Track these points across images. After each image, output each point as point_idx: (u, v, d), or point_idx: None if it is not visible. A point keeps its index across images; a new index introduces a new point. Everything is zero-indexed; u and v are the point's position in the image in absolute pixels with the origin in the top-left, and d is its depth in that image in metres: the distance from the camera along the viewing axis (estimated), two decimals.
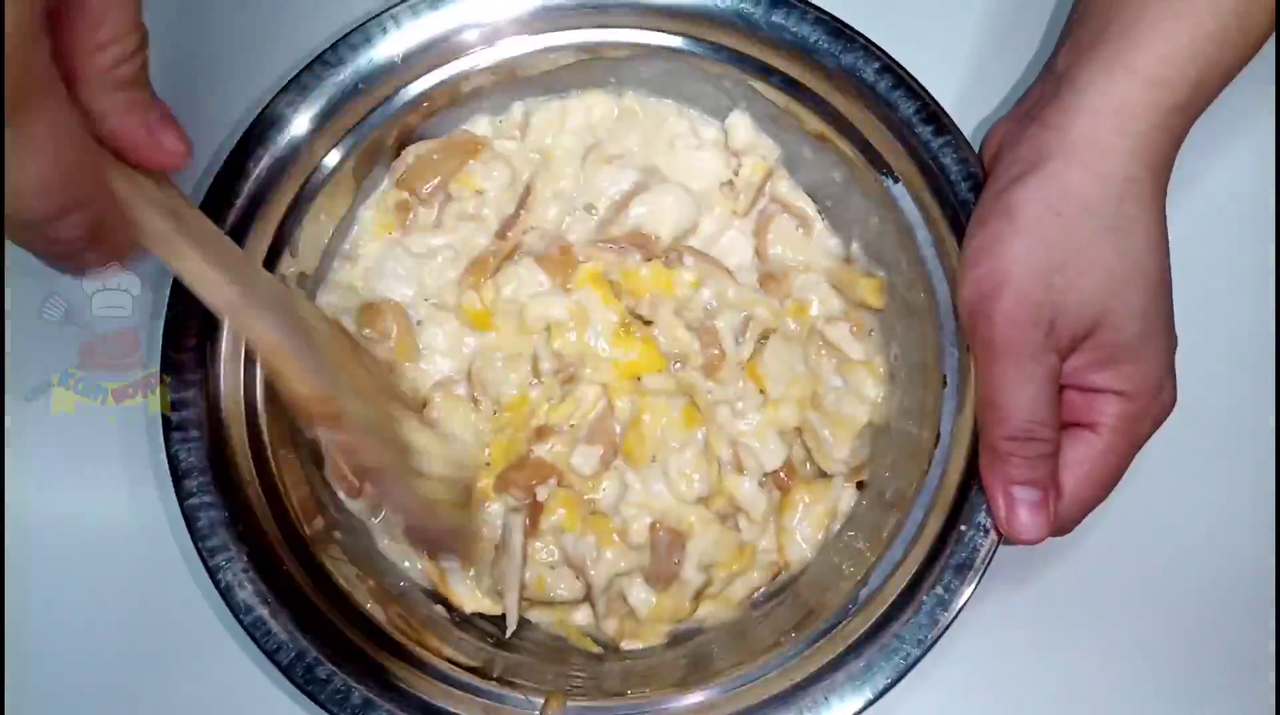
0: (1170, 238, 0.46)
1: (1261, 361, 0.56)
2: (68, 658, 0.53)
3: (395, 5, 0.51)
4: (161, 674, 0.54)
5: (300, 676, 0.46)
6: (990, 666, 0.53)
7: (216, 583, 0.47)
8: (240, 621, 0.47)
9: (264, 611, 0.47)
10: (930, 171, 0.50)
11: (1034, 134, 0.46)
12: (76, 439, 0.55)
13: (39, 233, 0.34)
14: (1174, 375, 0.46)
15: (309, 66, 0.51)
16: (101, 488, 0.55)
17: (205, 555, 0.47)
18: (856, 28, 0.51)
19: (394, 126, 0.53)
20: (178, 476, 0.48)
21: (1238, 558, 0.54)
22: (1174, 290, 0.46)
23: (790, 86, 0.52)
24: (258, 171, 0.51)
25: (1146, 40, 0.44)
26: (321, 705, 0.46)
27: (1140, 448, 0.47)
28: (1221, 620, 0.54)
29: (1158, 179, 0.45)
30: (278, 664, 0.47)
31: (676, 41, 0.52)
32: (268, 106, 0.51)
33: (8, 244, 0.52)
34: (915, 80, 0.50)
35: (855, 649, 0.46)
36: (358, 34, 0.51)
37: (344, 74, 0.51)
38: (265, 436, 0.50)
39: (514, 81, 0.54)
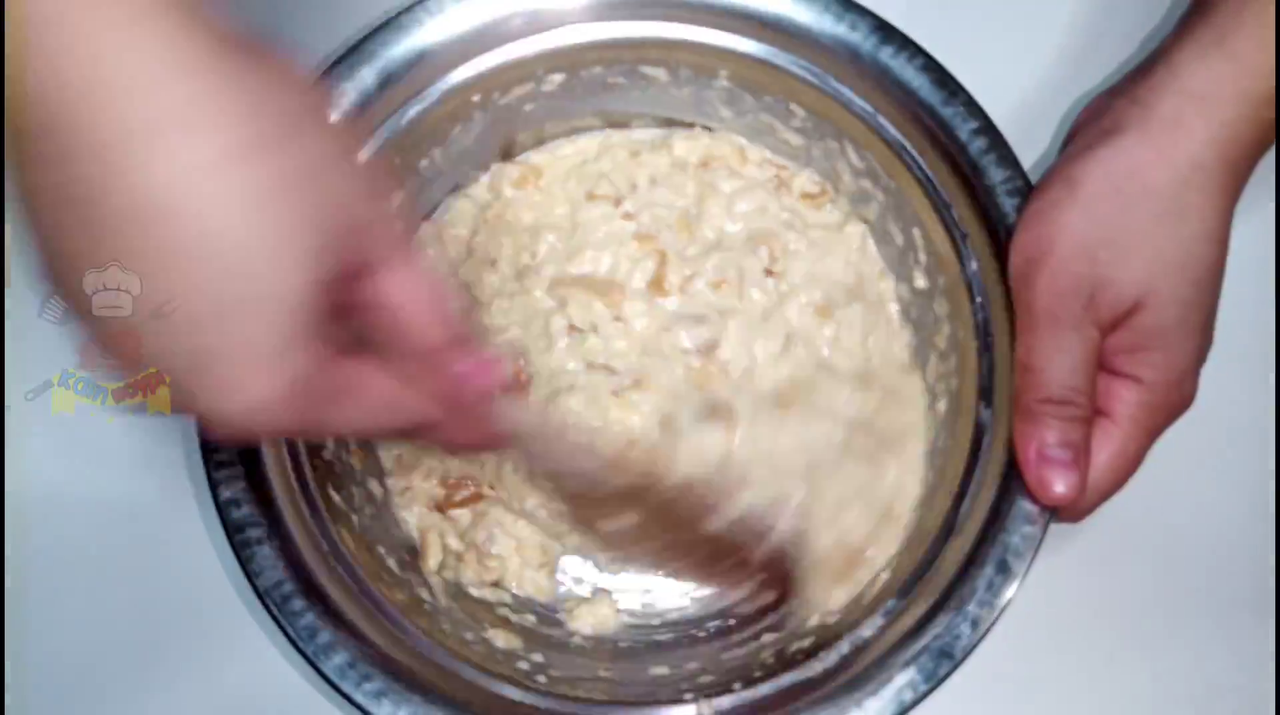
0: None
1: (1262, 361, 0.54)
2: (67, 659, 0.53)
3: None
4: (161, 672, 0.54)
5: (276, 604, 0.47)
6: None
7: (216, 497, 0.48)
8: (231, 541, 0.48)
9: (257, 532, 0.48)
10: (1001, 241, 0.48)
11: (1120, 107, 0.45)
12: (76, 439, 0.55)
13: None
14: (1198, 374, 0.46)
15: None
16: (101, 488, 0.55)
17: (210, 467, 0.48)
18: None
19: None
20: None
21: (1237, 566, 0.53)
22: None
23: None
24: None
25: (1249, 26, 0.43)
26: (290, 639, 0.47)
27: (1156, 438, 0.46)
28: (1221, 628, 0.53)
29: (1231, 172, 0.44)
30: (256, 589, 0.47)
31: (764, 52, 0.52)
32: None
33: (7, 244, 0.54)
34: (1007, 146, 0.49)
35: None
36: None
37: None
38: None
39: None
